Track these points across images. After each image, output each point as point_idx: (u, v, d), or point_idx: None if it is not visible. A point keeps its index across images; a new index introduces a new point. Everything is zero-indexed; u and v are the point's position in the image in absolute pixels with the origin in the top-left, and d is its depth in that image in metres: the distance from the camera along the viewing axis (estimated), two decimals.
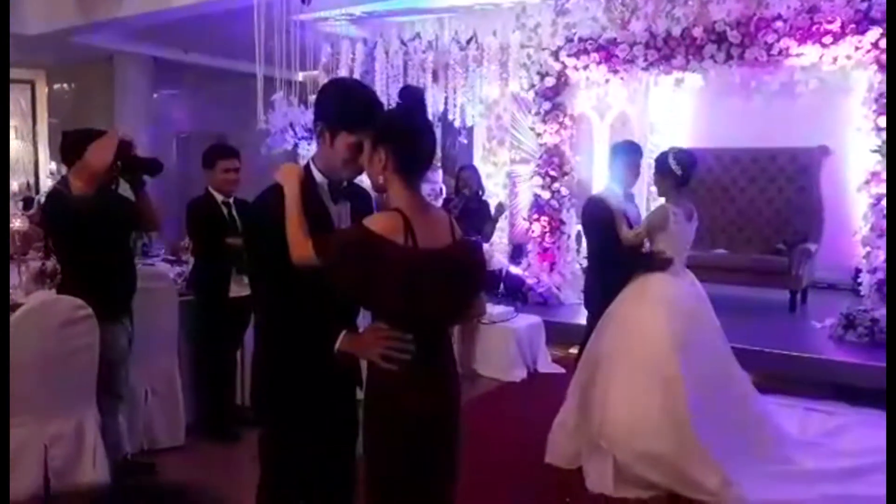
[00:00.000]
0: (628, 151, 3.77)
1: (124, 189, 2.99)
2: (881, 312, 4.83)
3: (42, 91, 9.54)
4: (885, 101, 5.06)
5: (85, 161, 2.63)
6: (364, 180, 1.88)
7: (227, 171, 3.76)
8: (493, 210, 5.28)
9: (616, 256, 3.51)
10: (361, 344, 1.76)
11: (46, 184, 8.31)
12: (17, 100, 9.17)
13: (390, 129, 1.72)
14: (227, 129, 8.35)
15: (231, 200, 3.80)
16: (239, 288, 3.71)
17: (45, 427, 2.64)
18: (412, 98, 1.78)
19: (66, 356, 2.67)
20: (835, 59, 5.29)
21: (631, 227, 3.52)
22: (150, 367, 3.45)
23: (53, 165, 8.70)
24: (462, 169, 5.73)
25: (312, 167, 1.89)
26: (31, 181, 8.98)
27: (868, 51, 5.08)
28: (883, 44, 5.00)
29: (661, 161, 3.40)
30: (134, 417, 3.41)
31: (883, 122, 5.06)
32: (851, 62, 5.28)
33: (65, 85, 9.65)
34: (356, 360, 1.84)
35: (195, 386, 3.82)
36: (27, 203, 6.04)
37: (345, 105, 1.82)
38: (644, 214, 3.86)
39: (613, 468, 3.09)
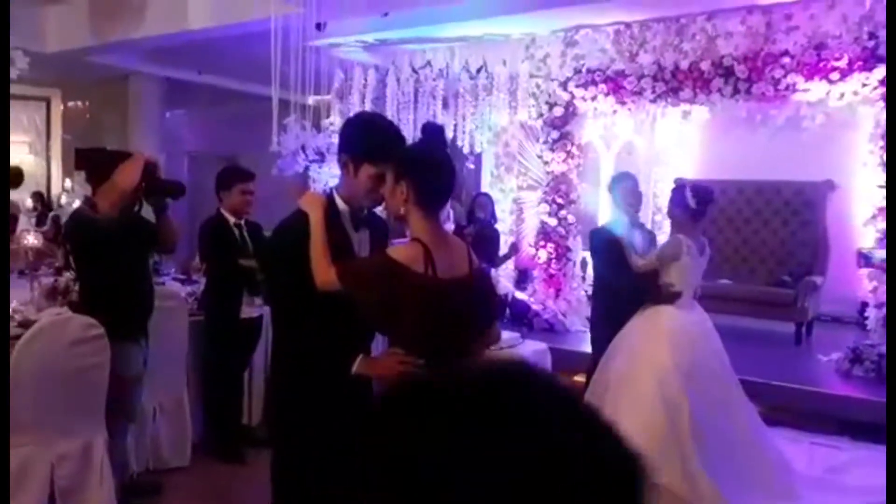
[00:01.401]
0: (622, 179, 3.86)
1: (146, 211, 3.02)
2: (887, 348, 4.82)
3: (57, 108, 9.69)
4: None
5: (113, 182, 2.68)
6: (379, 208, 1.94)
7: (244, 193, 3.80)
8: (506, 246, 5.38)
9: (622, 286, 3.53)
10: (378, 367, 1.80)
11: (61, 199, 8.37)
12: (33, 117, 9.31)
13: (412, 163, 1.79)
14: (238, 150, 8.46)
15: (243, 222, 3.84)
16: (250, 309, 3.74)
17: (52, 446, 2.64)
18: (433, 133, 1.86)
19: (76, 375, 2.68)
20: (841, 95, 5.34)
21: (638, 254, 3.55)
22: (158, 386, 3.46)
23: (68, 182, 8.78)
24: (478, 195, 6.05)
25: (335, 195, 1.95)
26: (44, 196, 9.07)
27: (875, 88, 5.14)
28: None
29: (678, 194, 3.43)
30: (142, 436, 3.41)
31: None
32: (858, 98, 5.34)
33: (79, 103, 9.79)
34: (370, 383, 1.87)
35: (202, 406, 3.83)
36: (41, 219, 6.09)
37: (369, 138, 1.89)
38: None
39: None
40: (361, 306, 1.72)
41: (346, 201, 1.94)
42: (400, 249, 1.76)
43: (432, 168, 1.79)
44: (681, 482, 3.01)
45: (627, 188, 3.80)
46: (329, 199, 1.93)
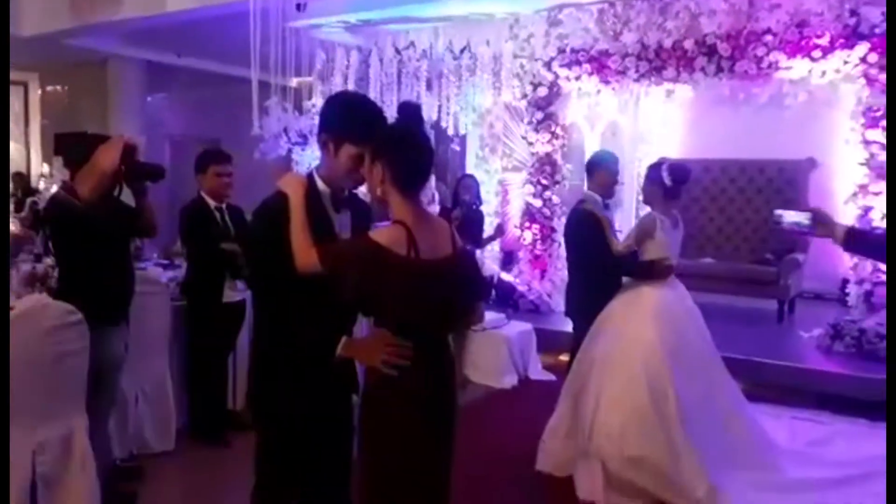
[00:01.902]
0: (606, 160, 3.84)
1: (126, 196, 2.98)
2: (868, 323, 4.88)
3: (35, 93, 9.53)
4: (872, 114, 5.14)
5: (93, 164, 2.63)
6: (363, 189, 1.93)
7: (219, 175, 3.76)
8: (492, 228, 5.39)
9: (605, 266, 3.54)
10: (363, 349, 1.80)
11: (39, 185, 8.26)
12: (11, 101, 9.15)
13: (388, 143, 1.77)
14: (220, 133, 8.37)
15: (224, 206, 3.80)
16: (232, 293, 3.72)
17: (32, 434, 2.61)
18: (410, 113, 1.83)
19: (56, 361, 2.64)
20: (823, 73, 5.36)
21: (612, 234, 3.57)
22: (141, 371, 3.44)
23: (46, 168, 8.66)
24: (463, 178, 5.99)
25: (316, 176, 1.93)
26: (26, 177, 8.93)
27: (856, 65, 5.16)
28: (871, 58, 5.07)
29: (654, 171, 3.43)
30: (124, 422, 3.40)
31: (871, 135, 5.14)
32: (840, 76, 5.35)
33: (58, 87, 9.63)
34: (353, 366, 1.87)
35: (186, 390, 3.82)
36: (19, 205, 6.01)
37: (350, 118, 1.86)
38: (633, 223, 3.91)
39: (603, 475, 3.11)
40: (343, 289, 1.71)
41: (327, 182, 1.91)
42: (382, 232, 1.75)
43: (408, 148, 1.77)
44: (665, 458, 3.04)
45: (612, 170, 3.81)
46: (309, 180, 1.91)
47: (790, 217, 2.34)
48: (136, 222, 3.02)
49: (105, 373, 2.87)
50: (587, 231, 3.67)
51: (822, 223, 2.27)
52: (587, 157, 4.15)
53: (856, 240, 2.24)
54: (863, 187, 5.19)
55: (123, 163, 2.69)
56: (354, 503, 1.89)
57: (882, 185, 5.10)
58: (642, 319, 3.30)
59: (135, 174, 2.82)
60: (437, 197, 7.04)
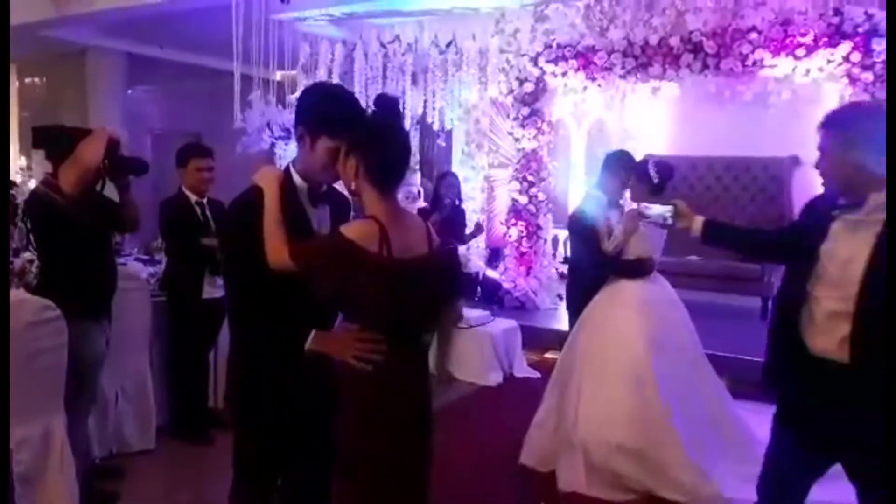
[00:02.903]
0: (623, 166, 3.61)
1: (109, 191, 2.93)
2: None
3: (13, 85, 9.35)
4: None
5: (75, 158, 2.59)
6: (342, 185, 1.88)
7: (200, 170, 3.71)
8: (472, 226, 5.29)
9: (597, 267, 3.53)
10: (333, 343, 1.75)
11: (17, 179, 8.12)
12: None
13: (362, 135, 1.73)
14: (203, 127, 8.26)
15: (205, 201, 3.75)
16: (212, 289, 3.66)
17: (10, 431, 2.57)
18: (387, 106, 1.79)
19: (33, 358, 2.59)
20: (807, 72, 5.39)
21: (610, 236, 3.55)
22: (120, 369, 3.38)
23: (23, 161, 8.52)
24: (442, 176, 5.66)
25: (292, 170, 1.88)
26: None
27: (839, 64, 5.19)
28: (854, 57, 5.11)
29: (641, 167, 3.43)
30: (104, 420, 3.34)
31: None
32: (823, 75, 5.39)
33: (36, 79, 9.47)
34: (331, 361, 1.83)
35: (167, 388, 3.76)
36: None
37: (327, 110, 1.81)
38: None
39: (588, 467, 3.11)
40: (315, 286, 1.68)
41: (304, 176, 1.87)
42: (354, 227, 1.70)
43: (384, 142, 1.72)
44: (650, 446, 3.05)
45: (625, 177, 3.64)
46: (286, 174, 1.86)
47: (655, 210, 2.42)
48: (118, 217, 2.97)
49: (85, 369, 2.82)
50: (579, 231, 3.65)
51: (682, 215, 2.33)
52: (573, 154, 4.10)
53: (713, 232, 2.28)
54: None
55: (107, 157, 2.64)
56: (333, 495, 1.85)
57: None
58: (623, 313, 3.33)
59: (118, 168, 2.78)
60: (421, 193, 7.01)
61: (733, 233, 2.48)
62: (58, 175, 2.71)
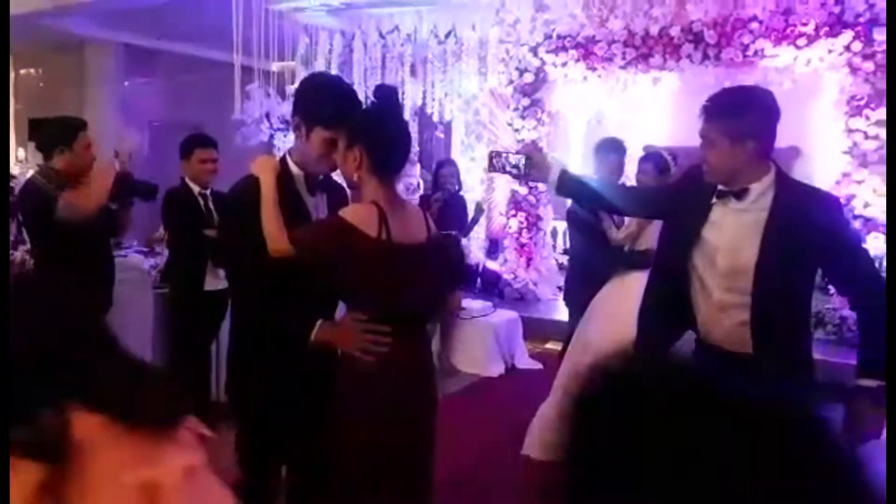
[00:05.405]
0: (614, 150, 3.70)
1: None
2: (849, 311, 4.93)
3: (9, 76, 9.29)
4: (855, 103, 5.17)
5: (87, 194, 2.71)
6: (339, 175, 1.89)
7: (203, 161, 3.68)
8: (472, 210, 5.23)
9: (601, 256, 3.53)
10: (338, 335, 1.76)
11: (14, 171, 8.09)
12: None
13: (365, 128, 1.73)
14: (202, 118, 8.19)
15: (208, 192, 3.73)
16: (215, 281, 3.64)
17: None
18: (386, 96, 1.80)
19: None
20: (808, 62, 5.38)
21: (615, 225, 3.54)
22: None
23: (21, 152, 8.47)
24: (441, 165, 5.56)
25: (289, 159, 1.89)
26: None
27: (840, 54, 5.19)
28: (855, 47, 5.10)
29: (659, 157, 3.44)
30: None
31: (854, 123, 5.17)
32: (824, 65, 5.38)
33: (32, 70, 9.40)
34: (334, 351, 1.83)
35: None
36: None
37: (323, 100, 1.82)
38: None
39: None
40: (315, 270, 1.68)
41: (300, 166, 1.88)
42: (352, 210, 1.72)
43: (386, 133, 1.73)
44: None
45: (618, 161, 3.73)
46: (282, 163, 1.87)
47: (510, 160, 2.19)
48: (111, 224, 3.03)
49: None
50: (575, 221, 3.65)
51: (536, 166, 2.18)
52: (573, 144, 4.09)
53: (567, 184, 2.17)
54: (846, 175, 5.23)
55: (116, 187, 2.76)
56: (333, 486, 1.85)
57: (864, 174, 5.16)
58: (633, 303, 3.31)
59: (127, 193, 2.90)
60: (421, 185, 6.99)
61: (587, 186, 2.32)
62: (51, 164, 2.79)
